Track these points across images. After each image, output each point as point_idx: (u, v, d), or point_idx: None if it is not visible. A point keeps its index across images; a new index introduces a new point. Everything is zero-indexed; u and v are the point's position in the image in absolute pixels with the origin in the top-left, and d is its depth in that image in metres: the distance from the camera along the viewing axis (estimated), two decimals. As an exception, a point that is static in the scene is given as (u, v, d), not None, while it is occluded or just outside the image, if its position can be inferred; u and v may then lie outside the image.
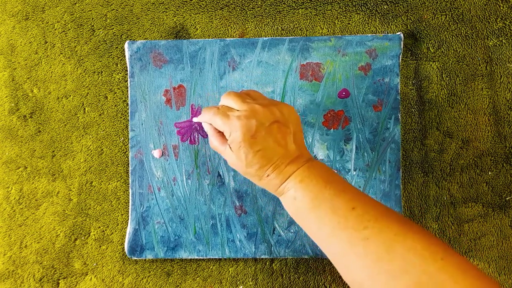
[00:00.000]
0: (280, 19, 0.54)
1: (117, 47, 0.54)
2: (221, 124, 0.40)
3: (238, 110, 0.40)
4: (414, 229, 0.34)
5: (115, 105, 0.54)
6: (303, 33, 0.53)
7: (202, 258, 0.52)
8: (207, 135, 0.52)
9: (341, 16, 0.53)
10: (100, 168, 0.54)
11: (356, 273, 0.34)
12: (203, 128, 0.52)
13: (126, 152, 0.53)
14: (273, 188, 0.40)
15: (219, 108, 0.41)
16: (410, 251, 0.32)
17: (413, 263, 0.32)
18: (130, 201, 0.52)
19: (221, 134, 0.43)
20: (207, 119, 0.43)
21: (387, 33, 0.53)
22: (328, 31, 0.53)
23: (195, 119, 0.49)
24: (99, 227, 0.53)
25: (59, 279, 0.53)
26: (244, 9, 0.54)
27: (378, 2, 0.53)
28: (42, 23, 0.54)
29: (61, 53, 0.54)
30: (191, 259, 0.52)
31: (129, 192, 0.53)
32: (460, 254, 0.34)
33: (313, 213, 0.37)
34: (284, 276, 0.52)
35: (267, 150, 0.39)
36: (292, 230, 0.51)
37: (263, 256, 0.51)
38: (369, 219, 0.35)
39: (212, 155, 0.52)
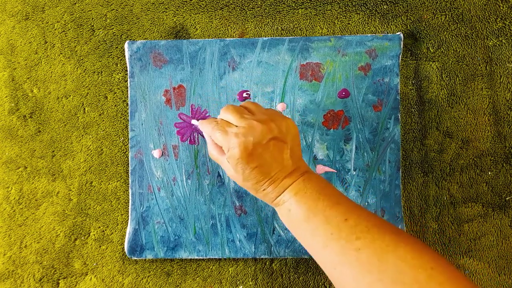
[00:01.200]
0: (280, 19, 0.54)
1: (117, 47, 0.54)
2: (220, 140, 0.41)
3: (236, 126, 0.41)
4: (406, 239, 0.35)
5: (115, 105, 0.54)
6: (303, 33, 0.53)
7: (202, 258, 0.52)
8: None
9: (341, 16, 0.53)
10: (100, 168, 0.54)
11: (349, 282, 0.35)
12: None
13: (126, 152, 0.53)
14: (269, 200, 0.41)
15: (218, 123, 0.42)
16: (401, 261, 0.33)
17: (404, 272, 0.32)
18: (130, 201, 0.52)
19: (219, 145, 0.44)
20: (207, 131, 0.44)
21: (387, 33, 0.53)
22: (328, 31, 0.53)
23: (194, 122, 0.50)
24: (99, 227, 0.53)
25: (59, 279, 0.53)
26: (244, 9, 0.54)
27: (378, 2, 0.53)
28: (42, 23, 0.54)
29: (61, 53, 0.54)
30: (191, 259, 0.52)
31: (129, 192, 0.53)
32: (450, 263, 0.35)
33: (307, 224, 0.38)
34: (284, 276, 0.52)
35: (264, 166, 0.40)
36: (292, 230, 0.51)
37: (263, 256, 0.51)
38: (361, 230, 0.35)
39: (212, 155, 0.52)
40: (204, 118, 0.52)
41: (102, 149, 0.54)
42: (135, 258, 0.52)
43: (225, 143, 0.41)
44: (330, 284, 0.52)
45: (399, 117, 0.51)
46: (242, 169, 0.40)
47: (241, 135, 0.39)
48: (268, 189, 0.40)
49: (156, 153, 0.52)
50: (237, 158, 0.39)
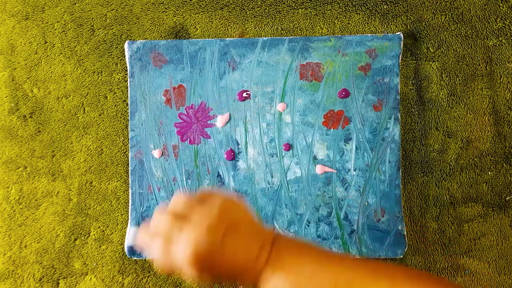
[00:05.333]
0: (280, 19, 0.54)
1: (117, 47, 0.54)
2: (165, 262, 0.34)
3: (177, 236, 0.33)
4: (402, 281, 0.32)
5: (115, 105, 0.54)
6: (303, 33, 0.53)
7: (202, 258, 0.52)
8: (207, 136, 0.52)
9: (341, 16, 0.53)
10: (100, 168, 0.54)
11: None
12: (203, 128, 0.52)
13: (126, 152, 0.53)
14: (250, 285, 0.35)
15: (151, 237, 0.34)
16: None
17: None
18: (130, 201, 0.52)
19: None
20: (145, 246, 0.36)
21: (387, 33, 0.53)
22: (328, 31, 0.53)
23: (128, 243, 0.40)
24: (99, 227, 0.53)
25: (59, 279, 0.53)
26: (244, 9, 0.54)
27: (378, 2, 0.53)
28: (42, 23, 0.54)
29: (61, 53, 0.54)
30: (191, 259, 0.52)
31: (129, 192, 0.53)
32: None
33: None
34: (284, 276, 0.52)
35: (228, 266, 0.34)
36: (291, 230, 0.51)
37: (263, 256, 0.51)
38: None
39: (212, 155, 0.52)
40: (208, 116, 0.52)
41: (102, 149, 0.54)
42: (135, 258, 0.52)
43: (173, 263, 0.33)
44: (330, 284, 0.52)
45: (399, 117, 0.51)
46: (209, 282, 0.34)
47: (187, 248, 0.32)
48: (246, 277, 0.34)
49: (156, 153, 0.52)
50: (196, 277, 0.33)
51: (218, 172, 0.52)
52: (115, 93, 0.54)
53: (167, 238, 0.33)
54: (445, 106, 0.52)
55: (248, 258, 0.34)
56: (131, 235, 0.37)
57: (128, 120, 0.53)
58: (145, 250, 0.35)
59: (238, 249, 0.34)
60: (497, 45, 0.52)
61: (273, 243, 0.35)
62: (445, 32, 0.53)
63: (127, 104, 0.53)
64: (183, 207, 0.35)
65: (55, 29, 0.54)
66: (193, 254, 0.32)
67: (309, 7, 0.53)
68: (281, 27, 0.54)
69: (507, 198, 0.52)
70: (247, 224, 0.35)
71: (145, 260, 0.53)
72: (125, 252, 0.53)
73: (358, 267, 0.34)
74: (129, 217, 0.52)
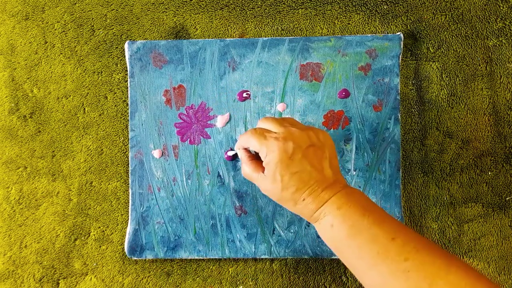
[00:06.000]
0: (280, 19, 0.54)
1: (117, 47, 0.54)
2: (257, 145, 0.41)
3: (275, 132, 0.41)
4: (457, 264, 0.33)
5: (115, 105, 0.54)
6: (303, 33, 0.53)
7: (202, 258, 0.52)
8: (207, 136, 0.52)
9: (341, 16, 0.53)
10: (100, 168, 0.54)
11: None
12: (203, 128, 0.52)
13: (126, 152, 0.53)
14: (308, 214, 0.40)
15: (256, 130, 0.42)
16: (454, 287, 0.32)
17: None
18: (130, 201, 0.52)
19: (254, 161, 0.44)
20: (243, 142, 0.43)
21: (387, 33, 0.53)
22: (328, 31, 0.53)
23: (230, 153, 0.51)
24: (99, 227, 0.53)
25: (59, 279, 0.53)
26: (244, 9, 0.54)
27: (378, 2, 0.53)
28: (42, 23, 0.54)
29: (61, 53, 0.54)
30: (191, 259, 0.52)
31: (129, 192, 0.53)
32: None
33: (351, 241, 0.36)
34: (284, 276, 0.52)
35: (304, 172, 0.39)
36: (292, 230, 0.51)
37: (263, 256, 0.51)
38: (409, 250, 0.34)
39: (212, 155, 0.52)
40: (208, 116, 0.52)
41: (102, 149, 0.54)
42: (135, 258, 0.52)
43: (263, 148, 0.40)
44: (330, 284, 0.52)
45: (399, 117, 0.51)
46: (281, 175, 0.39)
47: (281, 138, 0.39)
48: (308, 199, 0.39)
49: (156, 153, 0.52)
50: (276, 162, 0.39)
51: (218, 172, 0.52)
52: (115, 93, 0.54)
53: (263, 134, 0.41)
54: (445, 106, 0.52)
55: (320, 178, 0.39)
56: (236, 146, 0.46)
57: (128, 120, 0.53)
58: (244, 144, 0.43)
59: (316, 164, 0.39)
60: (497, 45, 0.52)
61: (346, 186, 0.40)
62: (445, 32, 0.53)
63: (127, 104, 0.53)
64: (290, 119, 0.44)
65: (55, 29, 0.54)
66: (281, 147, 0.39)
67: (309, 7, 0.53)
68: (281, 27, 0.54)
69: (507, 198, 0.52)
70: (331, 156, 0.41)
71: (145, 260, 0.53)
72: (125, 252, 0.53)
73: (417, 235, 0.36)
74: (129, 217, 0.52)
